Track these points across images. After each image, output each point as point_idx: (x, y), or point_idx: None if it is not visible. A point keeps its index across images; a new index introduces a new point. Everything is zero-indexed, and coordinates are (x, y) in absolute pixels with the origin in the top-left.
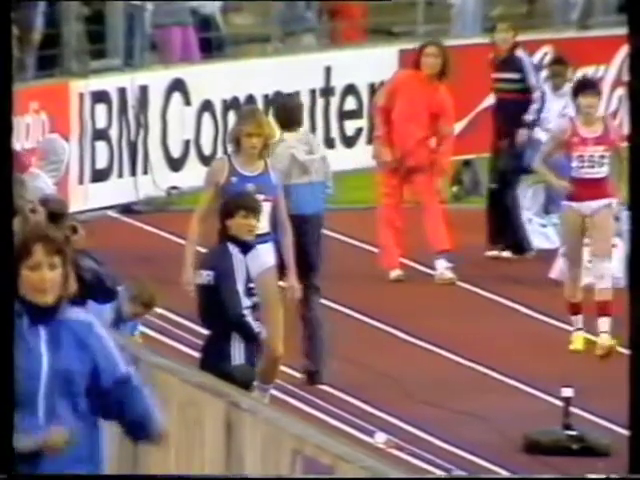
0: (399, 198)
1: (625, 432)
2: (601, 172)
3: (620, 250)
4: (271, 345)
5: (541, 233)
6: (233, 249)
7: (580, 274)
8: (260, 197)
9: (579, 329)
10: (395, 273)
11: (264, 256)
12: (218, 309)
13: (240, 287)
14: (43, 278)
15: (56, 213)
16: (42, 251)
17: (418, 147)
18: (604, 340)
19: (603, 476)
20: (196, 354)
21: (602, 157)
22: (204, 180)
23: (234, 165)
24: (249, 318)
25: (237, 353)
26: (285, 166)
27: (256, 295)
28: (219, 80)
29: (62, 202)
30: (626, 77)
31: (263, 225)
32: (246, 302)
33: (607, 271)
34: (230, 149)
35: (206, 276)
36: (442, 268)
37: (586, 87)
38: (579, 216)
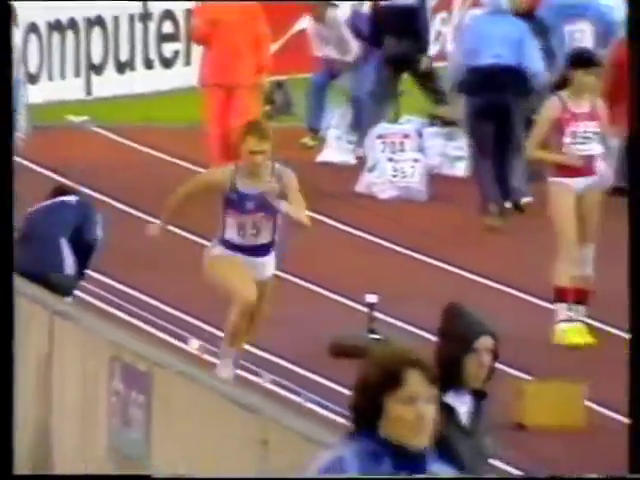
0: (225, 115)
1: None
2: (593, 149)
3: None
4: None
5: (349, 150)
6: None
7: (576, 254)
8: (259, 214)
9: (565, 321)
10: None
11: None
12: None
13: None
14: (422, 415)
15: None
16: (419, 380)
17: (239, 67)
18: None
19: (603, 476)
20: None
21: (593, 133)
22: (206, 172)
23: (235, 180)
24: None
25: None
26: None
27: None
28: (41, 3)
29: None
30: None
31: (265, 235)
32: None
33: (591, 256)
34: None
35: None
36: None
37: (583, 60)
38: (572, 193)
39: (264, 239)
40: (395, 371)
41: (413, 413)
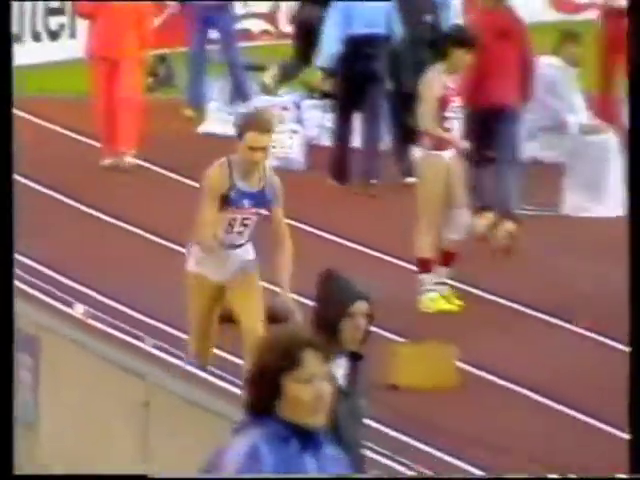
0: (110, 87)
1: None
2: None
3: None
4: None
5: (229, 121)
6: None
7: (437, 227)
8: (252, 210)
9: (432, 290)
10: (107, 161)
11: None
12: None
13: None
14: (320, 394)
15: None
16: (315, 360)
17: (123, 41)
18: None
19: (603, 476)
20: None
21: (458, 107)
22: (205, 190)
23: (233, 177)
24: None
25: None
26: None
27: None
28: None
29: None
30: None
31: (247, 233)
32: None
33: (463, 220)
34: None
35: None
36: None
37: (465, 39)
38: (443, 165)
39: (245, 238)
40: (292, 352)
41: (311, 393)
